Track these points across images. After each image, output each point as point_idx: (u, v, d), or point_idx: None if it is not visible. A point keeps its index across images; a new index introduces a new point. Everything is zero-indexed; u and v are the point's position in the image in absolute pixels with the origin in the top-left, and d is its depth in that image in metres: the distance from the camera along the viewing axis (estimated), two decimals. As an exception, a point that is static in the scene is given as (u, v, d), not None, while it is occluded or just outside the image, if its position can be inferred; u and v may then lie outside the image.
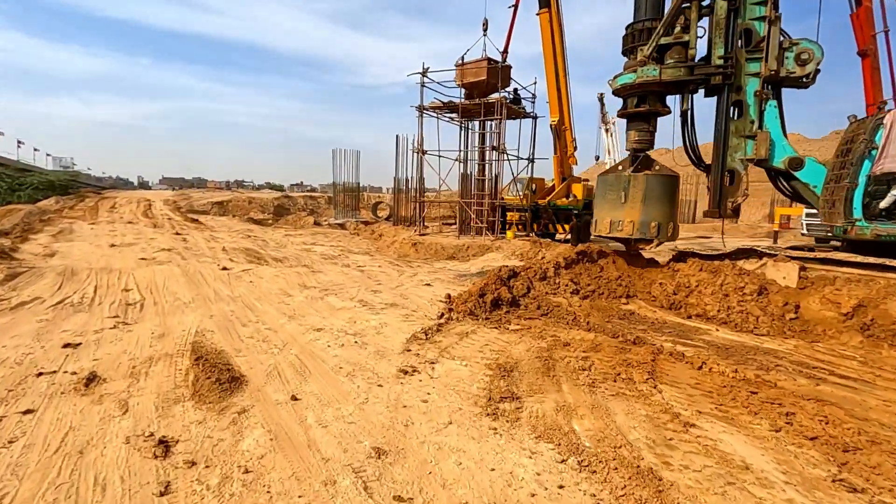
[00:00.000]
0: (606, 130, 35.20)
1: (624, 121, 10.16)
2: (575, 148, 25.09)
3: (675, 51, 8.63)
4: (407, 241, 17.74)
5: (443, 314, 7.69)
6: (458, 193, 23.88)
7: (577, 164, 25.89)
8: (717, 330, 7.95)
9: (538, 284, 9.65)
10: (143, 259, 12.25)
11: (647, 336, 7.17)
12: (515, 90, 19.67)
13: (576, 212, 23.38)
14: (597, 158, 35.06)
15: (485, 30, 19.64)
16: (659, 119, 9.81)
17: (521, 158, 20.22)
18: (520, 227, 20.03)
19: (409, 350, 5.85)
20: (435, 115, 19.95)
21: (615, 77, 9.50)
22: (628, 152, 9.85)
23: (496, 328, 7.26)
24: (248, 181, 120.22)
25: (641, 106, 9.21)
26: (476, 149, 19.97)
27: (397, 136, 23.18)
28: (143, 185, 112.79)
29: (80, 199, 32.72)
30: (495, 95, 18.25)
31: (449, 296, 9.47)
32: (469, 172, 19.74)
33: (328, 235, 22.38)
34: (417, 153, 19.44)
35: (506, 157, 18.55)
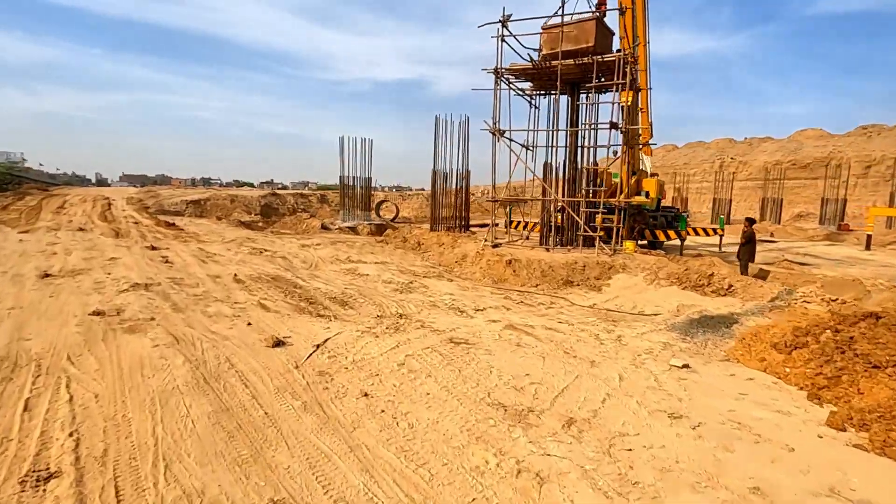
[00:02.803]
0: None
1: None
2: (651, 134, 19.72)
3: None
4: (491, 257, 11.79)
5: None
6: (516, 187, 18.15)
7: (651, 154, 20.59)
8: None
9: None
10: (96, 315, 5.88)
11: None
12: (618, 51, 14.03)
13: (667, 214, 18.00)
14: (615, 154, 29.68)
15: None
16: None
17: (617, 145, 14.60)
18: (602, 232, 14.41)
19: None
20: (507, 82, 14.03)
21: None
22: None
23: None
24: (214, 178, 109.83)
25: None
26: (564, 130, 14.15)
27: (437, 116, 17.17)
28: (102, 183, 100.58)
29: (18, 198, 24.86)
30: (615, 53, 12.56)
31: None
32: (560, 161, 13.97)
33: (352, 245, 16.13)
34: (493, 134, 13.47)
35: (626, 142, 12.90)
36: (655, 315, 7.81)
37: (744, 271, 10.50)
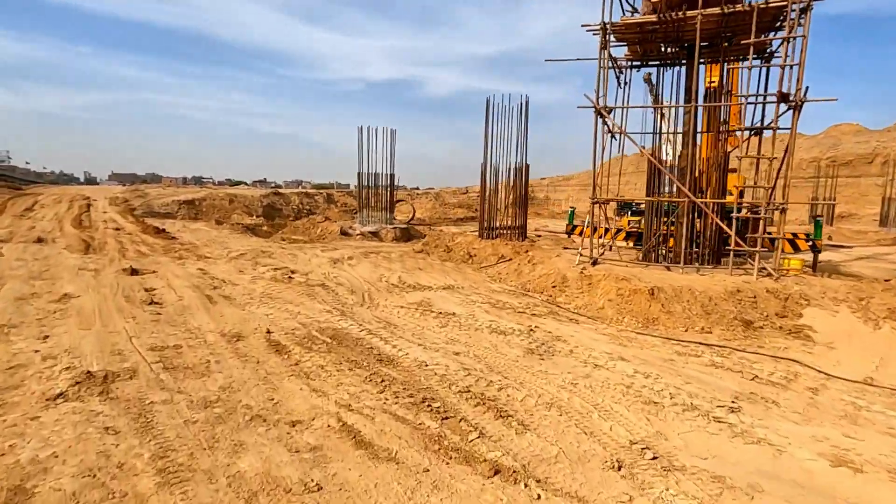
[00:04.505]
0: (662, 116, 25.08)
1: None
2: (741, 121, 16.10)
3: None
4: (623, 284, 8.06)
5: None
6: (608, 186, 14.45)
7: (739, 145, 17.02)
8: None
9: None
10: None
11: None
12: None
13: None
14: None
15: None
16: None
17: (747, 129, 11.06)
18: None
19: None
20: (605, 47, 10.31)
21: None
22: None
23: None
24: (206, 177, 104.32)
25: None
26: (680, 106, 10.47)
27: (488, 99, 13.45)
28: (91, 182, 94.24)
29: (-20, 199, 20.58)
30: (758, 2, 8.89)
31: None
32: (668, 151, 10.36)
33: (388, 257, 12.31)
34: (596, 113, 9.74)
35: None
36: None
37: None
